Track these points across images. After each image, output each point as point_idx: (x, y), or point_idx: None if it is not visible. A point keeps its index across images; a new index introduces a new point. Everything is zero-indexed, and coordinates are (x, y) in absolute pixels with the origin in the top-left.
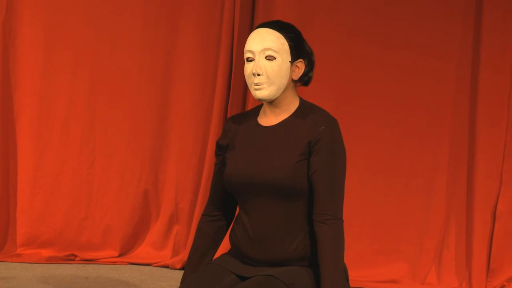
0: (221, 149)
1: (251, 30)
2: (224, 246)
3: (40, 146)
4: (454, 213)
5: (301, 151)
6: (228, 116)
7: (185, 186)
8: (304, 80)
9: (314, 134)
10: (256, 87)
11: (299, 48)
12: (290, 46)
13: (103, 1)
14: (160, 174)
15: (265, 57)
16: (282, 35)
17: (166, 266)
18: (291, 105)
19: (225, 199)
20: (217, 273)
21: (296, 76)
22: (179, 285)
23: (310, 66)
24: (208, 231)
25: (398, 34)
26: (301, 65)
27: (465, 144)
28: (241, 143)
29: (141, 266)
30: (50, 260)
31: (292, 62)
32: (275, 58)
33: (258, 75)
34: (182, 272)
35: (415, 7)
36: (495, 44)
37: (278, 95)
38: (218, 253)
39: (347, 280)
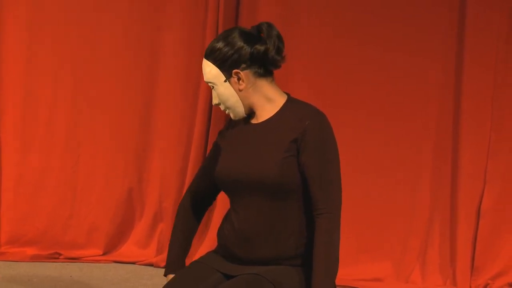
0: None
1: None
2: (210, 243)
3: (24, 145)
4: (439, 212)
5: (286, 148)
6: (212, 115)
7: (169, 184)
8: (270, 65)
9: (300, 130)
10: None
11: (228, 61)
12: (218, 66)
13: (87, 0)
14: (144, 173)
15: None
16: (209, 61)
17: (151, 265)
18: (274, 103)
19: (206, 190)
20: (203, 271)
21: (242, 86)
22: (164, 270)
23: (260, 54)
24: (187, 219)
25: (382, 34)
26: (241, 74)
27: (449, 143)
28: (233, 140)
29: (126, 265)
30: (34, 258)
31: (227, 79)
32: (214, 87)
33: (218, 104)
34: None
35: (399, 7)
36: (479, 44)
37: (245, 107)
38: (204, 251)
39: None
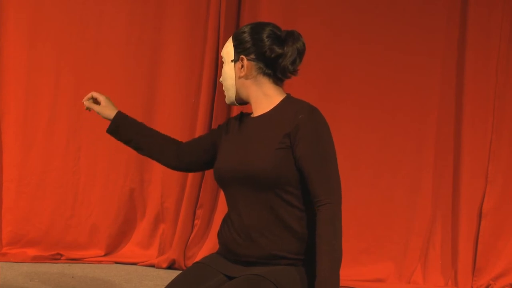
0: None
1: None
2: (211, 245)
3: (26, 145)
4: (440, 212)
5: (279, 142)
6: (213, 116)
7: (170, 185)
8: (279, 72)
9: (293, 125)
10: None
11: (244, 45)
12: (234, 46)
13: (88, 0)
14: (146, 173)
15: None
16: (232, 38)
17: (152, 265)
18: (271, 100)
19: (190, 154)
20: (205, 273)
21: (242, 74)
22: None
23: (271, 56)
24: (165, 138)
25: (383, 32)
26: (245, 62)
27: (451, 143)
28: (230, 135)
29: (127, 265)
30: (36, 259)
31: (235, 61)
32: (223, 62)
33: (221, 81)
34: (168, 271)
35: (400, 5)
36: (480, 44)
37: (238, 95)
38: (205, 254)
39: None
